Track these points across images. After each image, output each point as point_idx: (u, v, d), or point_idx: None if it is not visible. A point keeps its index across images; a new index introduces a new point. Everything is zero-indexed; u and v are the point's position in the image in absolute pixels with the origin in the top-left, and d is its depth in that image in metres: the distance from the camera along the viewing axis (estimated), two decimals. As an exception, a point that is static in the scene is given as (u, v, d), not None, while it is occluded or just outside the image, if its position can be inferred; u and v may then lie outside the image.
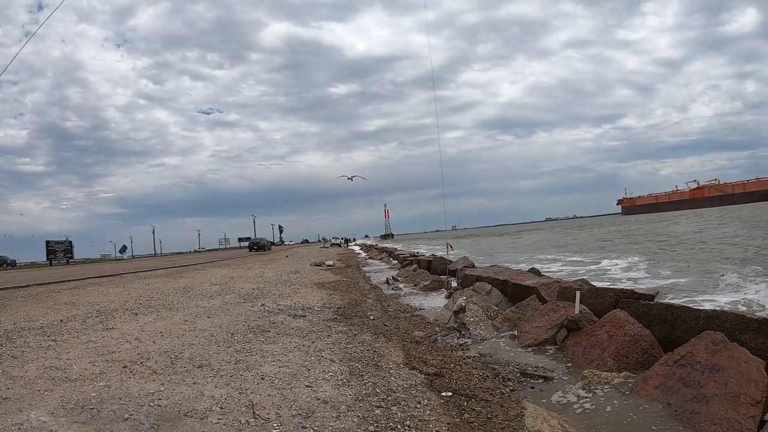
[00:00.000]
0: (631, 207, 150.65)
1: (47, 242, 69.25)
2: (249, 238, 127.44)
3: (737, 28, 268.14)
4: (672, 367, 4.73)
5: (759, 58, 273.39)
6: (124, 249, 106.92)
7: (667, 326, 5.80)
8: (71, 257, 72.08)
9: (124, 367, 5.24)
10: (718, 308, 6.89)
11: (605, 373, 5.34)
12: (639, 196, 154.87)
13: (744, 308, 8.73)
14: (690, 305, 6.49)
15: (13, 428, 3.59)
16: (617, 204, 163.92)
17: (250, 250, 67.33)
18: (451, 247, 18.08)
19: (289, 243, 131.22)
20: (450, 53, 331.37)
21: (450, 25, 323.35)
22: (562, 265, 19.94)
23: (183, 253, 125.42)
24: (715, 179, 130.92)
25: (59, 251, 69.61)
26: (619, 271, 16.37)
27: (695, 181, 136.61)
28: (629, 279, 14.10)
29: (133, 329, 7.43)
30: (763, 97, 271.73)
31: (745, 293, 10.09)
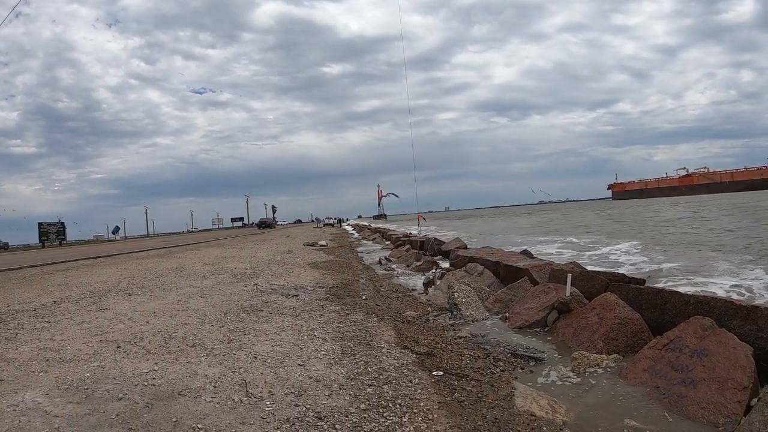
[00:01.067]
0: (621, 192, 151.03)
1: (39, 224, 68.76)
2: (242, 218, 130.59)
3: (734, 17, 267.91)
4: (661, 350, 4.78)
5: (755, 47, 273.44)
6: (116, 230, 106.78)
7: (657, 310, 5.84)
8: (64, 239, 71.74)
9: (117, 348, 5.27)
10: (708, 294, 6.96)
11: (595, 355, 5.39)
12: (629, 182, 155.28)
13: (744, 295, 8.86)
14: (681, 290, 6.56)
15: (8, 409, 3.62)
16: (608, 189, 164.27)
17: (259, 228, 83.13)
18: (424, 219, 17.93)
19: (282, 223, 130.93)
20: (445, 34, 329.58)
21: (446, 6, 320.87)
22: (557, 248, 20.04)
23: (176, 233, 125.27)
24: (705, 167, 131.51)
25: (52, 233, 69.20)
26: (613, 254, 16.49)
27: (684, 168, 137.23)
28: (623, 263, 14.21)
29: (127, 309, 7.46)
30: (758, 86, 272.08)
31: (740, 279, 10.20)
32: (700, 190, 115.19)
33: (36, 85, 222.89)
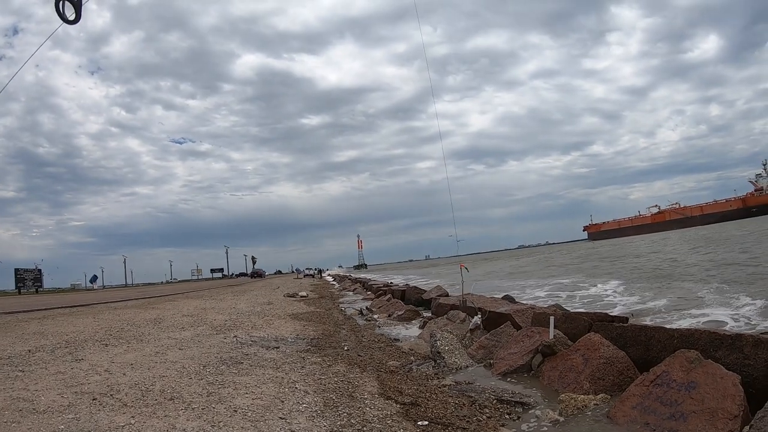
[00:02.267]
0: (596, 233, 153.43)
1: (16, 270, 67.92)
2: (222, 269, 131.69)
3: (699, 54, 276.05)
4: (648, 386, 4.79)
5: (722, 82, 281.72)
6: (94, 278, 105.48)
7: (642, 347, 5.88)
8: (40, 286, 70.73)
9: (93, 399, 5.12)
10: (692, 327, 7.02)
11: (582, 396, 5.37)
12: (604, 222, 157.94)
13: (750, 321, 8.96)
14: (666, 325, 6.60)
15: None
16: (583, 230, 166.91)
17: (252, 277, 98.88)
18: (467, 269, 15.76)
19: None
20: (421, 84, 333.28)
21: (420, 57, 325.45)
22: (545, 291, 20.03)
23: (155, 283, 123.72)
24: (676, 203, 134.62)
25: (28, 279, 68.30)
26: (604, 294, 16.52)
27: (656, 206, 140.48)
28: (616, 303, 14.18)
29: (103, 360, 7.28)
30: (727, 119, 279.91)
31: (734, 309, 10.34)
32: (673, 226, 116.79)
33: (17, 128, 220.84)
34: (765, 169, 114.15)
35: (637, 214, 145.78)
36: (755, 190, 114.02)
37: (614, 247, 59.33)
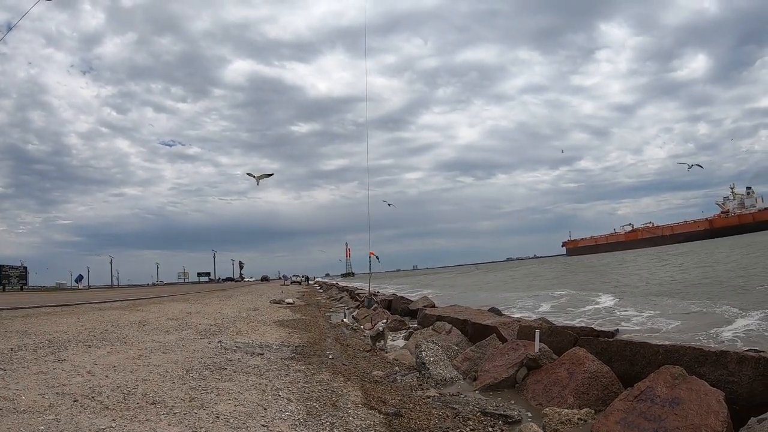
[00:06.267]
0: (574, 248, 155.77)
1: (1, 266, 67.18)
2: (208, 273, 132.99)
3: (688, 73, 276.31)
4: (632, 402, 4.81)
5: (710, 101, 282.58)
6: (80, 278, 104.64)
7: (627, 362, 5.93)
8: (25, 284, 70.05)
9: (74, 401, 5.07)
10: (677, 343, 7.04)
11: (566, 410, 5.38)
12: (581, 239, 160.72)
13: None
14: (650, 341, 6.64)
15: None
16: (562, 246, 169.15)
17: (262, 281, 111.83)
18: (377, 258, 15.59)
19: (249, 279, 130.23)
20: (410, 95, 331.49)
21: (410, 69, 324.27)
22: (546, 306, 19.90)
23: (140, 285, 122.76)
24: (650, 222, 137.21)
25: (13, 276, 67.62)
26: (606, 310, 16.40)
27: (630, 224, 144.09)
28: (622, 318, 14.08)
29: (86, 362, 7.22)
30: (714, 138, 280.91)
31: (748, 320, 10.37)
32: (644, 244, 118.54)
33: (7, 124, 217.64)
34: (732, 193, 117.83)
35: (613, 231, 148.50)
36: (722, 212, 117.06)
37: (591, 262, 59.54)
